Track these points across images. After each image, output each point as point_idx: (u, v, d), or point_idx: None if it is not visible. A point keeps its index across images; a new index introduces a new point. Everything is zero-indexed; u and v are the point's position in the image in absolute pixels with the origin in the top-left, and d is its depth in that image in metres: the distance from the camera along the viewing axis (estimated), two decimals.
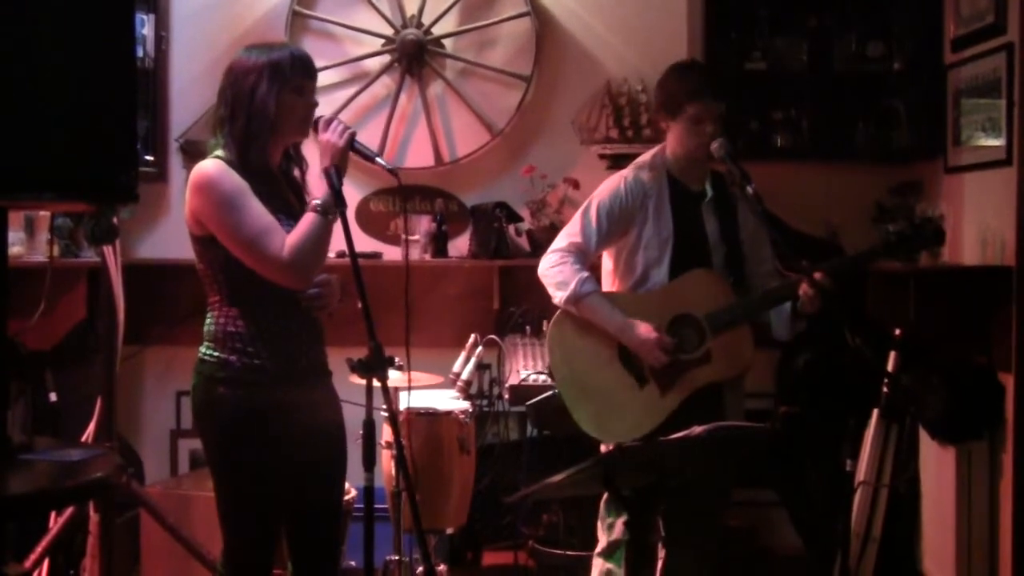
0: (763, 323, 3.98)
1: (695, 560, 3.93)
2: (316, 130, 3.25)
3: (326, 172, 3.18)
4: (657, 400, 3.82)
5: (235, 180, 3.16)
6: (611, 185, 3.93)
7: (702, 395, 3.84)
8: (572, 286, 3.79)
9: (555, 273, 3.85)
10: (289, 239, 3.13)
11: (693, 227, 3.91)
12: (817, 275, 3.69)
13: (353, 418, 3.30)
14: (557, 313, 3.92)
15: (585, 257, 3.89)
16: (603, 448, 3.98)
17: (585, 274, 3.83)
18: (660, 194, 3.90)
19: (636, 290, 3.91)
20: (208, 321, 3.29)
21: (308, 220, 3.16)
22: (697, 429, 3.09)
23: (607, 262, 4.01)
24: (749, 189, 3.80)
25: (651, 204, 3.88)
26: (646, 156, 4.00)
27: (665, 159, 3.96)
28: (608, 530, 4.00)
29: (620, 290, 3.95)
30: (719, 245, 3.92)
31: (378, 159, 3.24)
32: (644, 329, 3.78)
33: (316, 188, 3.23)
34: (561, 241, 3.91)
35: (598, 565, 4.03)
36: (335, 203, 3.15)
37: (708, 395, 3.85)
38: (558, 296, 3.84)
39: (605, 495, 4.01)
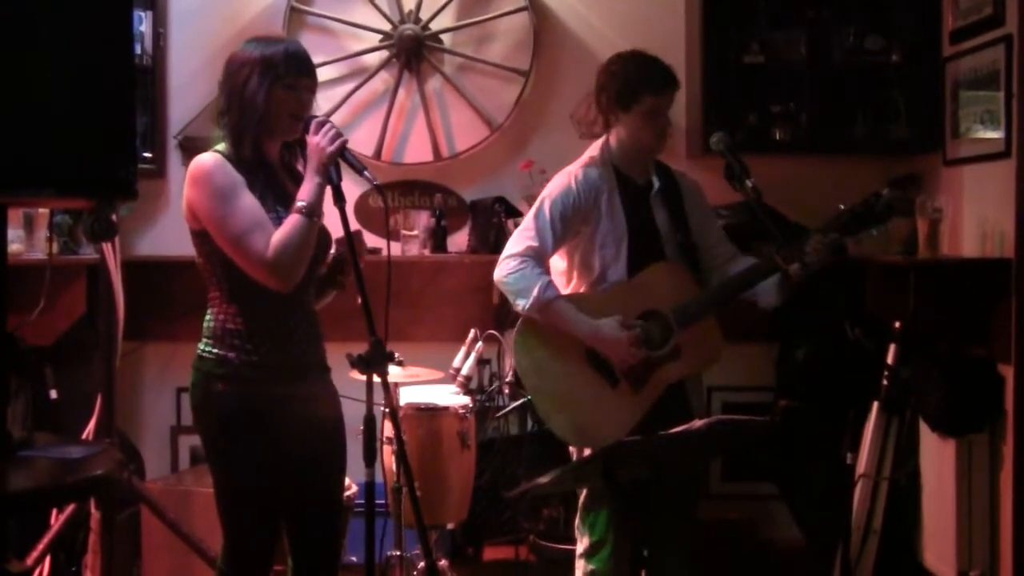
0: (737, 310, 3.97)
1: (680, 556, 3.88)
2: (307, 130, 3.23)
3: (319, 172, 3.16)
4: (631, 399, 3.78)
5: (229, 174, 3.16)
6: (561, 183, 3.86)
7: (668, 393, 3.82)
8: (535, 293, 3.71)
9: (515, 280, 3.76)
10: (273, 239, 3.11)
11: (645, 220, 3.87)
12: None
13: (354, 414, 3.31)
14: (519, 321, 3.83)
15: (542, 260, 3.80)
16: (573, 452, 3.94)
17: (547, 279, 3.76)
18: (611, 190, 3.85)
19: (595, 288, 3.86)
20: (208, 318, 3.29)
21: (292, 221, 3.14)
22: (697, 423, 3.10)
23: (559, 262, 3.94)
24: (749, 183, 3.80)
25: (604, 200, 3.83)
26: (592, 151, 3.94)
27: (611, 152, 3.91)
28: (590, 530, 3.92)
29: (578, 290, 3.90)
30: (671, 236, 3.88)
31: (364, 173, 3.20)
32: (612, 329, 3.73)
33: (302, 187, 3.21)
34: (517, 245, 3.81)
35: (580, 567, 3.96)
36: (335, 198, 3.15)
37: (673, 392, 3.84)
38: (520, 304, 3.74)
39: (584, 495, 3.99)
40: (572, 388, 3.81)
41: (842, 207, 3.81)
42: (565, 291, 3.90)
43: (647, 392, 3.80)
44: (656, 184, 3.91)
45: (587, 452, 3.86)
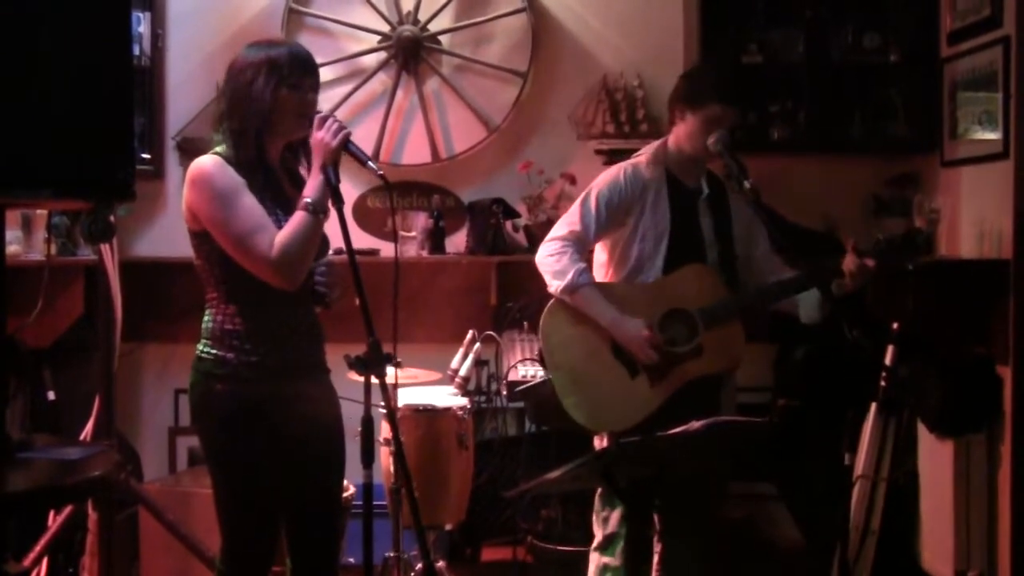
0: (776, 314, 4.02)
1: (692, 553, 3.94)
2: (311, 126, 3.25)
3: (323, 170, 3.18)
4: (647, 391, 3.84)
5: (230, 176, 3.17)
6: (611, 175, 3.95)
7: (698, 389, 3.85)
8: (569, 276, 3.80)
9: (553, 262, 3.86)
10: (278, 237, 3.13)
11: (689, 223, 3.93)
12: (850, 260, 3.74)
13: (352, 415, 3.31)
14: (551, 302, 3.91)
15: (583, 246, 3.90)
16: (596, 442, 4.01)
17: (582, 265, 3.85)
18: (659, 188, 3.92)
19: (630, 281, 3.93)
20: (206, 318, 3.30)
21: (298, 219, 3.15)
22: (695, 424, 3.10)
23: (600, 253, 4.02)
24: (747, 183, 3.81)
25: (649, 196, 3.90)
26: (647, 150, 4.02)
27: (667, 154, 3.98)
28: (603, 524, 4.03)
29: (613, 280, 3.96)
30: (714, 242, 3.95)
31: (369, 163, 3.23)
32: (635, 326, 3.79)
33: (307, 185, 3.23)
34: (560, 229, 3.91)
35: (594, 559, 4.06)
36: (333, 200, 3.15)
37: (704, 389, 3.87)
38: (554, 285, 3.85)
39: (600, 489, 4.03)
40: (592, 371, 3.87)
41: (880, 237, 3.86)
42: (602, 281, 3.98)
43: (664, 386, 3.84)
44: (706, 191, 3.97)
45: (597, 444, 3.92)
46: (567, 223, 3.91)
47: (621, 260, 3.95)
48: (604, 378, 3.86)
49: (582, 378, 3.88)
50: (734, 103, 3.92)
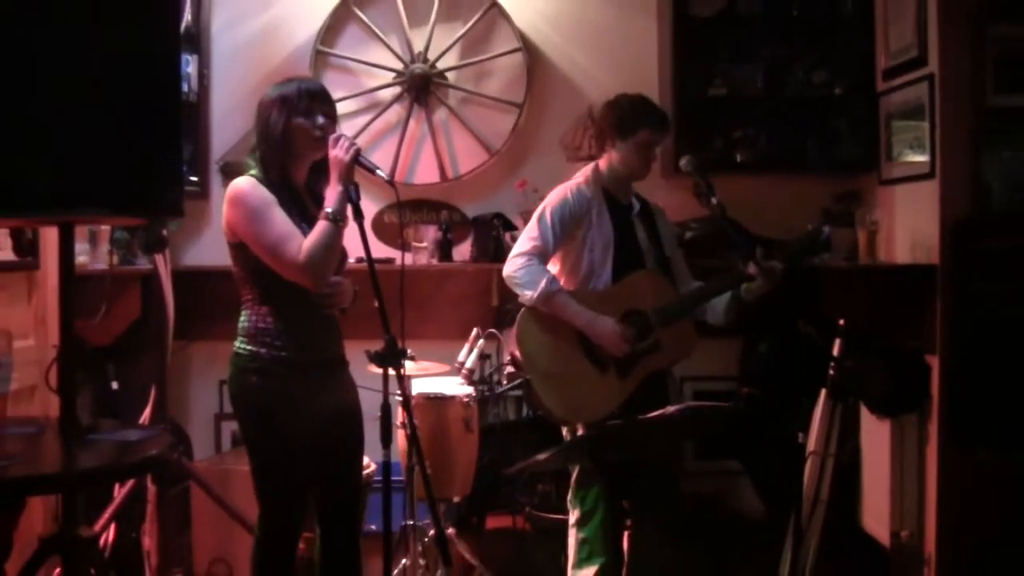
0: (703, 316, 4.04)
1: (660, 527, 3.93)
2: (328, 147, 3.29)
3: (342, 184, 3.21)
4: (617, 384, 3.85)
5: (262, 194, 3.22)
6: (559, 195, 3.95)
7: (650, 380, 3.88)
8: (542, 285, 3.79)
9: (523, 274, 3.84)
10: (304, 244, 3.17)
11: (628, 234, 3.96)
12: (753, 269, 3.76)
13: (372, 402, 3.34)
14: (522, 312, 3.90)
15: (545, 258, 3.90)
16: (565, 432, 4.02)
17: (551, 274, 3.85)
18: (600, 204, 3.93)
19: (583, 287, 3.93)
20: (242, 319, 3.33)
21: (320, 227, 3.20)
22: (670, 408, 3.13)
23: (552, 264, 4.00)
24: (714, 200, 3.84)
25: (593, 212, 3.92)
26: (585, 172, 4.01)
27: (600, 176, 3.98)
28: (581, 503, 3.99)
29: (568, 287, 3.95)
30: (650, 249, 3.97)
31: (378, 171, 3.28)
32: (608, 324, 3.81)
33: (327, 198, 3.27)
34: (523, 245, 3.90)
35: (573, 535, 4.02)
36: (354, 215, 3.19)
37: (655, 380, 3.90)
38: (528, 294, 3.83)
39: (576, 473, 4.03)
40: (566, 371, 3.87)
41: (786, 241, 3.87)
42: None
43: (630, 379, 3.87)
44: (636, 206, 3.99)
45: (579, 432, 3.92)
46: (528, 239, 3.90)
47: (573, 269, 3.96)
48: (578, 376, 3.87)
49: (558, 378, 3.88)
50: (662, 128, 3.93)
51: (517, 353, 3.93)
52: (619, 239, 3.93)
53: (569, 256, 3.96)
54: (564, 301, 3.83)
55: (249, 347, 3.29)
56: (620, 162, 3.95)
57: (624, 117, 3.92)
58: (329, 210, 3.20)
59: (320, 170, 3.41)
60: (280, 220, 3.20)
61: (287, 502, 3.35)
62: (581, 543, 4.00)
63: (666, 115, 4.04)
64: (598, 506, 3.93)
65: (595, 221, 3.91)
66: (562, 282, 3.96)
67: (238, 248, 3.28)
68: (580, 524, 4.01)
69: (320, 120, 3.32)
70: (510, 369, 4.36)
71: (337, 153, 3.23)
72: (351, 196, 3.21)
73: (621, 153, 3.94)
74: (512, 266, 3.89)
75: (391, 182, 3.31)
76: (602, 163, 4.00)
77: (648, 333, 3.86)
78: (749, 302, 3.88)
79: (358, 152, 3.25)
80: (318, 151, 3.34)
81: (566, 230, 3.91)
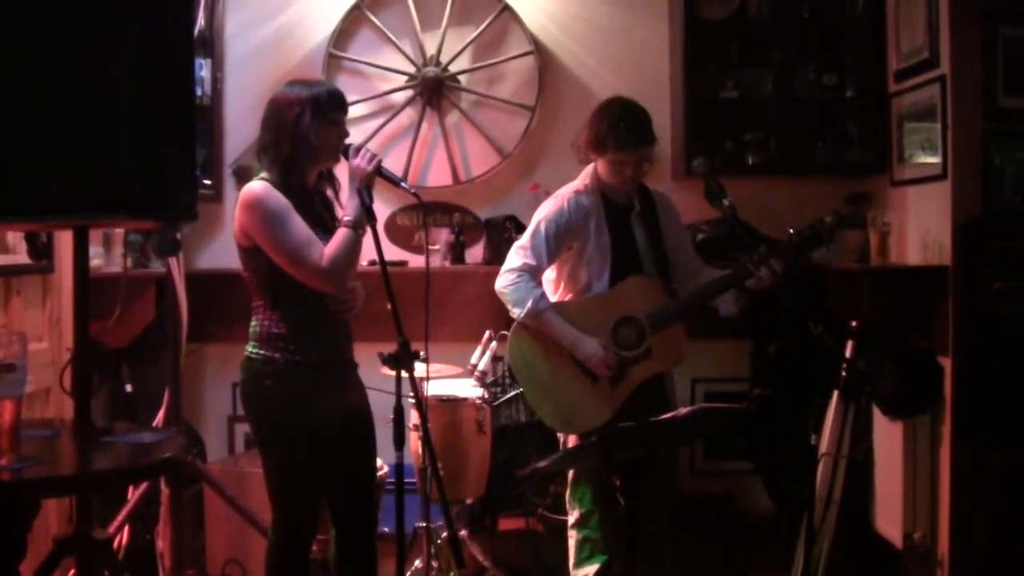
0: (711, 312, 4.01)
1: (660, 523, 3.88)
2: (346, 156, 3.29)
3: (358, 192, 3.21)
4: (609, 394, 3.82)
5: (279, 199, 3.20)
6: (555, 205, 3.91)
7: (648, 385, 3.85)
8: (529, 304, 3.78)
9: (512, 291, 3.83)
10: (327, 250, 3.16)
11: (626, 238, 3.91)
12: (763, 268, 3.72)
13: (385, 404, 3.33)
14: (513, 326, 3.90)
15: (537, 273, 3.86)
16: (561, 437, 4.00)
17: (540, 291, 3.83)
18: (598, 213, 3.88)
19: (581, 296, 3.91)
20: (253, 323, 3.32)
21: (342, 234, 3.20)
22: (683, 410, 3.11)
23: (550, 272, 3.98)
24: (725, 201, 3.81)
25: (592, 223, 3.87)
26: (584, 178, 3.96)
27: (598, 179, 3.94)
28: (579, 503, 3.97)
29: (565, 297, 3.93)
30: (648, 251, 3.92)
31: (402, 184, 3.28)
32: (592, 345, 3.78)
33: (345, 206, 3.26)
34: (514, 261, 3.87)
35: (573, 535, 4.01)
36: (367, 218, 3.18)
37: (653, 384, 3.87)
38: (516, 311, 3.82)
39: (571, 475, 4.00)
40: (558, 383, 3.86)
41: (791, 231, 3.84)
42: (554, 297, 3.95)
43: (622, 387, 3.84)
44: (637, 207, 3.95)
45: (572, 439, 3.90)
46: (521, 254, 3.86)
47: (571, 279, 3.93)
48: (570, 387, 3.85)
49: (550, 390, 3.86)
50: (631, 146, 3.81)
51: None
52: (617, 247, 3.90)
53: (566, 266, 3.94)
54: (551, 320, 3.82)
55: (262, 351, 3.27)
56: (605, 174, 3.92)
57: (597, 134, 3.86)
58: (349, 218, 3.21)
59: (322, 172, 3.42)
60: (300, 225, 3.19)
61: (301, 505, 3.33)
62: (581, 542, 3.99)
63: (637, 132, 3.83)
64: (596, 506, 3.93)
65: (593, 234, 3.87)
66: (561, 288, 3.96)
67: (249, 252, 3.27)
68: (579, 525, 4.00)
69: (343, 130, 3.33)
70: None
71: (360, 163, 3.23)
72: (364, 200, 3.21)
73: (602, 167, 3.91)
74: (502, 281, 3.88)
75: (416, 194, 3.32)
76: (599, 166, 3.96)
77: (642, 340, 3.83)
78: (757, 291, 3.85)
79: (380, 163, 3.25)
80: (334, 160, 3.36)
81: (561, 243, 3.88)
